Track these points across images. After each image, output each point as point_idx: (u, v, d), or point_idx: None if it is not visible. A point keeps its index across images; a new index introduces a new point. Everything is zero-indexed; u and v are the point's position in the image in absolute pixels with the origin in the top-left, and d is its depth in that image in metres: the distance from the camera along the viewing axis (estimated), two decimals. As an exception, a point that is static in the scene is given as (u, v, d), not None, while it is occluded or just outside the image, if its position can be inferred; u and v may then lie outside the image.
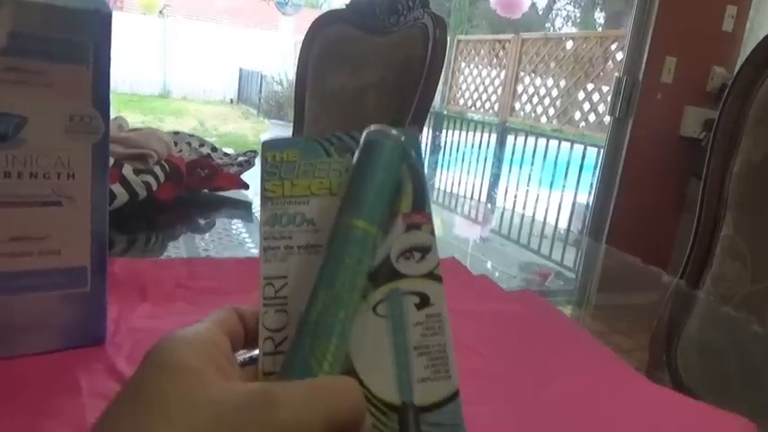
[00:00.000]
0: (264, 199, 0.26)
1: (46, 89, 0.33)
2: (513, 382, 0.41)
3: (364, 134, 0.26)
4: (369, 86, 1.37)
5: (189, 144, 0.88)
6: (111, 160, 0.68)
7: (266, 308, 0.25)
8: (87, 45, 0.33)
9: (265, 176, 0.26)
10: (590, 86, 3.09)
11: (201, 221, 0.78)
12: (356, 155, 0.26)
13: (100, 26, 0.34)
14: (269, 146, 0.27)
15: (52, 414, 0.31)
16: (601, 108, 2.98)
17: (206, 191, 0.83)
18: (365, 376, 0.23)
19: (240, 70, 10.87)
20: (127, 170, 0.68)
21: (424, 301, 0.25)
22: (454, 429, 0.24)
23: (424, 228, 0.26)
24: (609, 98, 2.53)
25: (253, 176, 0.88)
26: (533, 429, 0.36)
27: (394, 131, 0.26)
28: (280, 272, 0.25)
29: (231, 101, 11.15)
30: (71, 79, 0.34)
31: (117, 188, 0.66)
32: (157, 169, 0.72)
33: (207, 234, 0.72)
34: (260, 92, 9.20)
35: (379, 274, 0.25)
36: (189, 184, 0.78)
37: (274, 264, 0.25)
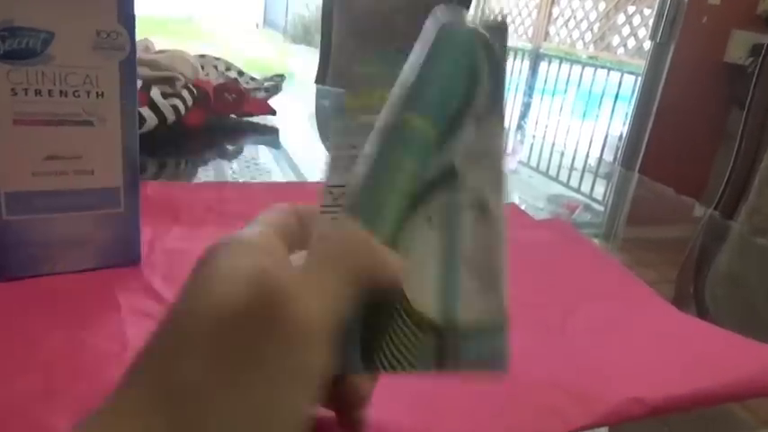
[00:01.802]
0: (339, 112, 0.24)
1: (72, 3, 0.32)
2: (540, 309, 0.41)
3: (440, 25, 0.23)
4: (397, 9, 1.31)
5: (215, 68, 0.87)
6: (140, 82, 0.68)
7: (322, 216, 0.23)
8: (110, -43, 0.32)
9: (348, 92, 0.25)
10: (631, 9, 2.92)
11: (229, 147, 0.78)
12: (431, 45, 0.23)
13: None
14: (367, 63, 0.26)
15: (93, 328, 0.33)
16: (641, 33, 2.83)
17: (233, 116, 0.83)
18: (408, 292, 0.22)
19: (265, -8, 10.56)
20: (155, 93, 0.68)
21: (482, 212, 0.23)
22: (495, 359, 0.22)
23: (496, 127, 0.23)
24: (651, 22, 2.40)
25: (280, 102, 0.87)
26: (559, 357, 0.36)
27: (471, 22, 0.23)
28: (342, 181, 0.23)
29: (257, 25, 10.91)
30: (96, -6, 0.33)
31: (146, 112, 0.66)
32: (185, 93, 0.71)
33: (234, 161, 0.72)
34: (286, 16, 8.96)
35: (438, 179, 0.23)
36: (216, 108, 0.77)
37: (337, 173, 0.23)
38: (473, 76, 0.23)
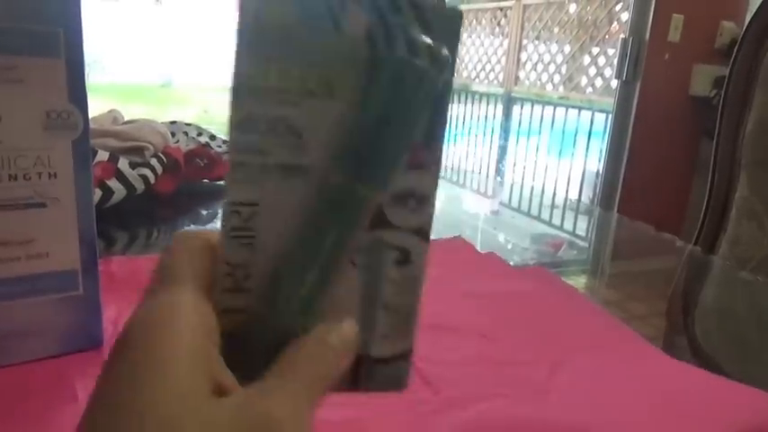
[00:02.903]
0: (239, 87, 0.19)
1: (18, 85, 0.32)
2: (525, 367, 0.39)
3: (394, 59, 0.20)
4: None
5: (186, 134, 0.87)
6: (107, 155, 0.67)
7: (230, 240, 0.20)
8: (57, 34, 0.32)
9: (244, 49, 0.18)
10: (595, 50, 3.02)
11: (204, 212, 0.77)
12: (377, 77, 0.20)
13: (69, 12, 0.32)
14: None
15: (47, 424, 0.30)
16: (607, 72, 2.91)
17: (206, 181, 0.82)
18: (330, 319, 0.22)
19: (241, 55, 10.78)
20: (123, 164, 0.67)
21: (404, 259, 0.22)
22: (400, 381, 0.24)
23: (428, 170, 0.21)
24: (615, 61, 2.48)
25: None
26: (547, 418, 0.34)
27: (429, 48, 0.20)
28: (250, 197, 0.20)
29: (234, 86, 11.08)
30: (44, 73, 0.32)
31: (114, 183, 0.65)
32: (154, 162, 0.71)
33: (209, 225, 0.71)
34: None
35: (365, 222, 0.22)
36: (188, 174, 0.77)
37: (244, 186, 0.20)
38: (414, 117, 0.21)
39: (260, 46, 0.18)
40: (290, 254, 0.20)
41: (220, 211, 0.21)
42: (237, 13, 0.18)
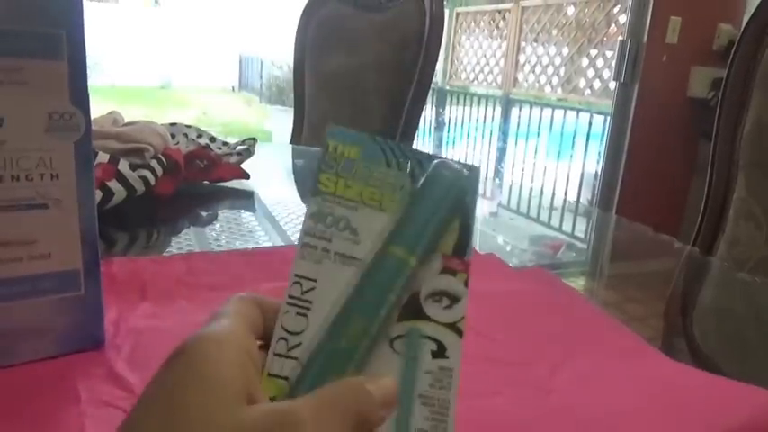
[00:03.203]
0: (315, 191, 0.25)
1: (21, 87, 0.32)
2: (526, 367, 0.39)
3: (433, 164, 0.26)
4: (367, 66, 1.34)
5: (186, 135, 0.87)
6: (107, 156, 0.67)
7: (288, 307, 0.24)
8: (60, 37, 0.32)
9: (322, 167, 0.25)
10: (593, 52, 3.03)
11: (203, 214, 0.77)
12: (420, 183, 0.26)
13: (71, 15, 0.32)
14: (334, 134, 0.26)
15: (50, 424, 0.30)
16: (606, 74, 2.92)
17: (206, 182, 0.82)
18: None
19: (240, 56, 10.79)
20: (123, 166, 0.67)
21: (440, 351, 0.24)
22: None
23: (459, 276, 0.25)
24: (613, 63, 2.48)
25: (253, 166, 0.87)
26: (547, 417, 0.35)
27: (459, 167, 0.26)
28: (311, 273, 0.24)
29: (233, 88, 11.10)
30: (47, 75, 0.32)
31: (114, 185, 0.65)
32: (154, 163, 0.71)
33: (209, 227, 0.71)
34: (261, 78, 9.14)
35: (404, 307, 0.24)
36: (188, 176, 0.77)
37: (308, 263, 0.24)
38: (455, 215, 0.25)
39: (333, 164, 0.25)
40: (333, 330, 0.23)
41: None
42: (325, 140, 0.25)
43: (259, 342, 0.24)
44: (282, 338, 0.23)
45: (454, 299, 0.25)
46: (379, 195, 0.25)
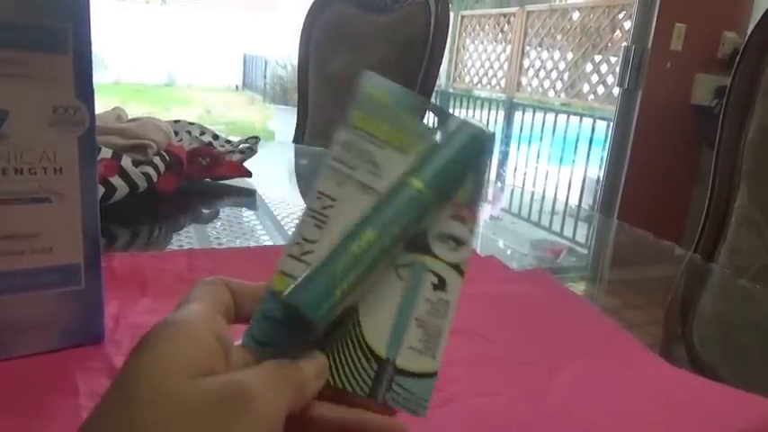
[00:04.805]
0: (347, 124, 0.27)
1: (26, 80, 0.32)
2: (525, 368, 0.39)
3: (457, 120, 0.28)
4: (370, 67, 1.34)
5: (189, 133, 0.87)
6: (110, 152, 0.67)
7: (307, 217, 0.26)
8: (66, 31, 0.32)
9: (356, 105, 0.27)
10: (598, 58, 3.03)
11: (205, 211, 0.77)
12: (444, 135, 0.27)
13: (78, 9, 0.32)
14: (371, 78, 0.27)
15: (48, 417, 0.30)
16: (609, 80, 2.92)
17: (208, 180, 0.82)
18: (364, 319, 0.25)
19: (244, 56, 10.80)
20: (126, 162, 0.67)
21: (441, 285, 0.26)
22: (419, 403, 0.25)
23: (468, 224, 0.27)
24: (617, 69, 2.48)
25: (255, 164, 0.87)
26: (546, 418, 0.35)
27: (482, 126, 0.28)
28: (332, 192, 0.26)
29: (236, 87, 11.11)
30: (52, 69, 0.32)
31: (117, 180, 0.65)
32: (157, 160, 0.71)
33: (210, 224, 0.71)
34: (265, 77, 9.15)
35: (413, 242, 0.26)
36: (190, 173, 0.77)
37: (331, 183, 0.26)
38: (469, 168, 0.27)
39: (365, 104, 0.27)
40: (347, 238, 0.25)
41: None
42: (360, 83, 0.27)
43: (235, 324, 0.24)
44: (297, 243, 0.25)
45: (460, 242, 0.27)
46: (404, 140, 0.27)
